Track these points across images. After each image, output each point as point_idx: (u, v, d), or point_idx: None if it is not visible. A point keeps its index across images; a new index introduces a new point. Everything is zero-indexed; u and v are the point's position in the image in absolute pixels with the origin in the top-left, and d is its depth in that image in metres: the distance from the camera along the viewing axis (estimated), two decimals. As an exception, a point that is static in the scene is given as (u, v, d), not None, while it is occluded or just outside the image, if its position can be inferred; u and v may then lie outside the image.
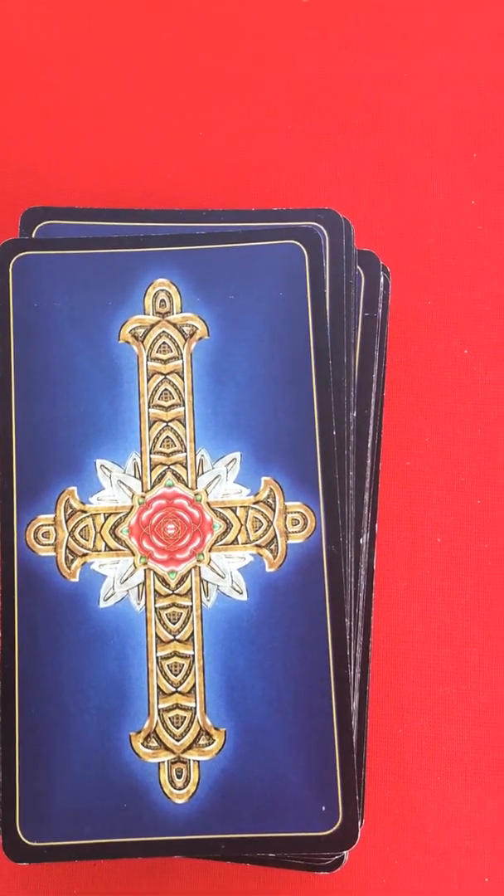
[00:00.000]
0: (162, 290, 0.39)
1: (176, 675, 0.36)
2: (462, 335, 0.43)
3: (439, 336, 0.43)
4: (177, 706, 0.36)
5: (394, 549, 0.41)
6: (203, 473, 0.37)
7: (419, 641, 0.40)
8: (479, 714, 0.40)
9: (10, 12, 0.47)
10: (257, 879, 0.38)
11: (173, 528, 0.37)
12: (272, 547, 0.37)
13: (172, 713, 0.36)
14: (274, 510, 0.37)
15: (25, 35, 0.46)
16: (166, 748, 0.36)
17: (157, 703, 0.36)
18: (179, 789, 0.35)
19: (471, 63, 0.46)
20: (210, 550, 0.37)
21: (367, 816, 0.38)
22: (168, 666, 0.36)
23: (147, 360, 0.38)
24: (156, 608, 0.36)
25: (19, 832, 0.35)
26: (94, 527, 0.37)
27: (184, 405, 0.38)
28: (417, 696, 0.40)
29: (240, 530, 0.37)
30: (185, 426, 0.38)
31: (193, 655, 0.36)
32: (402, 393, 0.42)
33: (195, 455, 0.37)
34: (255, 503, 0.37)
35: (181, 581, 0.37)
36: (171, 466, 0.37)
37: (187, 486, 0.37)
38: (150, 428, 0.38)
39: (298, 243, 0.38)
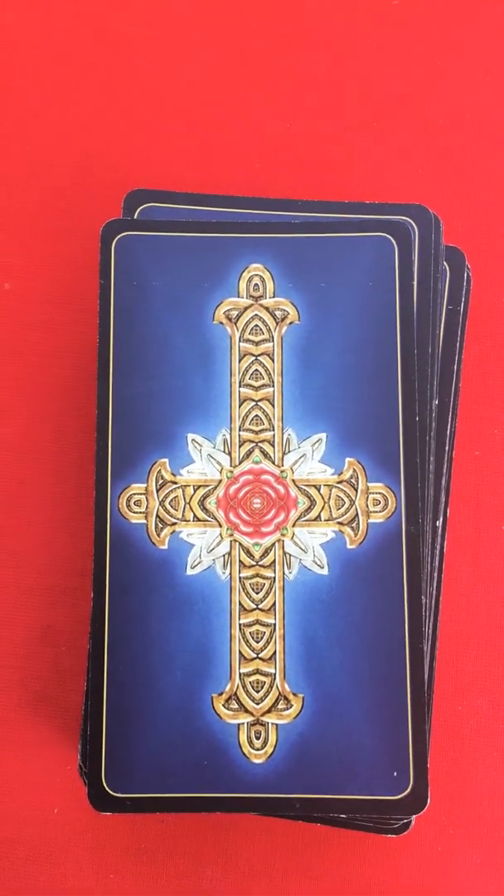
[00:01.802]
0: (256, 275, 0.40)
1: (257, 642, 0.38)
2: (534, 332, 0.44)
3: (512, 332, 0.44)
4: (257, 671, 0.38)
5: (460, 534, 0.43)
6: (289, 452, 0.39)
7: (482, 624, 0.42)
8: (537, 695, 0.41)
9: (113, 4, 0.48)
10: (322, 839, 0.40)
11: (259, 502, 0.39)
12: (353, 525, 0.38)
13: (253, 678, 0.38)
14: (356, 490, 0.39)
15: (128, 23, 0.48)
16: (246, 710, 0.37)
17: (239, 668, 0.38)
18: (258, 750, 0.37)
19: (552, 70, 0.47)
20: (294, 525, 0.39)
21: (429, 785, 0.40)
22: (250, 633, 0.38)
23: (239, 341, 0.40)
24: (240, 578, 0.38)
25: (104, 783, 0.37)
26: (184, 498, 0.39)
27: (273, 386, 0.39)
28: (479, 675, 0.41)
29: (323, 507, 0.39)
30: (273, 406, 0.39)
31: (275, 624, 0.38)
32: (474, 384, 0.44)
33: (282, 434, 0.39)
34: (338, 482, 0.39)
35: (265, 553, 0.38)
36: (259, 444, 0.39)
37: (274, 463, 0.39)
38: (240, 406, 0.39)
39: (389, 236, 0.40)
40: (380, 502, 0.38)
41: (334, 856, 0.40)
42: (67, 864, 0.41)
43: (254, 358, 0.40)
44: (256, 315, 0.40)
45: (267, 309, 0.40)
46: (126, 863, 0.41)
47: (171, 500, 0.39)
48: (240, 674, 0.38)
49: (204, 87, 0.47)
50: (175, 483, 0.39)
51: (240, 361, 0.40)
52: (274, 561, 0.38)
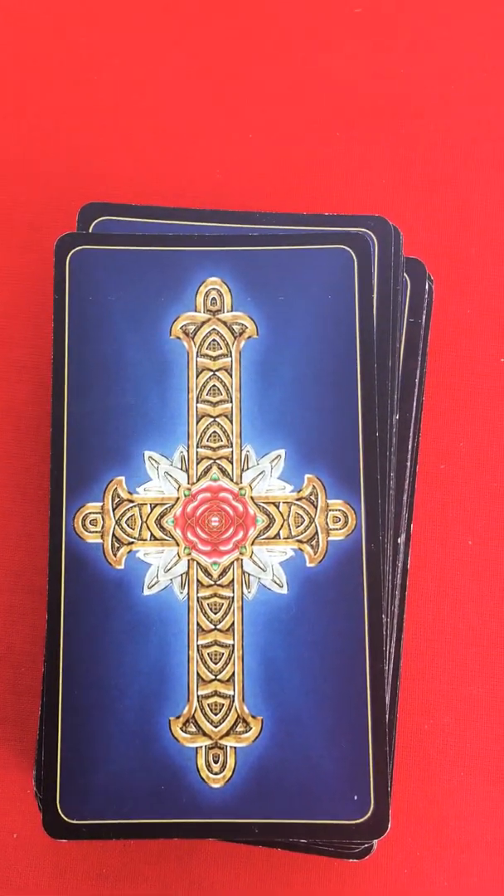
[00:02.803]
0: (213, 289, 0.40)
1: (216, 664, 0.37)
2: (500, 344, 0.44)
3: (477, 344, 0.44)
4: (215, 693, 0.37)
5: (426, 549, 0.42)
6: (248, 469, 0.38)
7: (448, 640, 0.41)
8: (504, 713, 0.41)
9: (70, 12, 0.47)
10: (285, 864, 0.40)
11: (217, 520, 0.38)
12: (313, 543, 0.38)
13: (211, 700, 0.37)
14: (316, 507, 0.38)
15: (86, 34, 0.47)
16: (204, 734, 0.37)
17: (197, 690, 0.37)
18: (216, 774, 0.36)
19: (516, 78, 0.47)
20: (252, 544, 0.38)
21: (392, 808, 0.39)
22: (208, 654, 0.37)
23: (197, 356, 0.39)
24: (198, 598, 0.38)
25: (59, 810, 0.36)
26: (141, 516, 0.38)
27: (231, 401, 0.39)
28: (444, 693, 0.41)
29: (282, 525, 0.38)
30: (231, 422, 0.39)
31: (233, 645, 0.37)
32: (438, 398, 0.43)
33: (241, 450, 0.38)
34: (297, 499, 0.38)
35: (223, 572, 0.38)
36: (217, 461, 0.38)
37: (232, 480, 0.38)
38: (197, 422, 0.39)
39: (349, 248, 0.39)
40: (339, 519, 0.38)
41: (299, 880, 0.39)
42: (27, 889, 0.40)
43: (211, 373, 0.39)
44: (214, 329, 0.39)
45: (224, 323, 0.39)
46: (88, 888, 0.40)
47: (128, 519, 0.38)
48: (198, 696, 0.37)
49: (162, 97, 0.46)
50: (132, 501, 0.38)
51: (197, 377, 0.39)
52: (232, 580, 0.38)
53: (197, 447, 0.39)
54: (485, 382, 0.43)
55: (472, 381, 0.43)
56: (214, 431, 0.39)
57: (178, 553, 0.38)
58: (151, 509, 0.38)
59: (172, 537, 0.38)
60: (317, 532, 0.38)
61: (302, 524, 0.38)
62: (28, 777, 0.41)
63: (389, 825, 0.35)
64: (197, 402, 0.39)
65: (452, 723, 0.41)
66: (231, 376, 0.39)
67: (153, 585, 0.38)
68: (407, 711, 0.41)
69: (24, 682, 0.41)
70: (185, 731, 0.37)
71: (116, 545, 0.38)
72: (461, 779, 0.40)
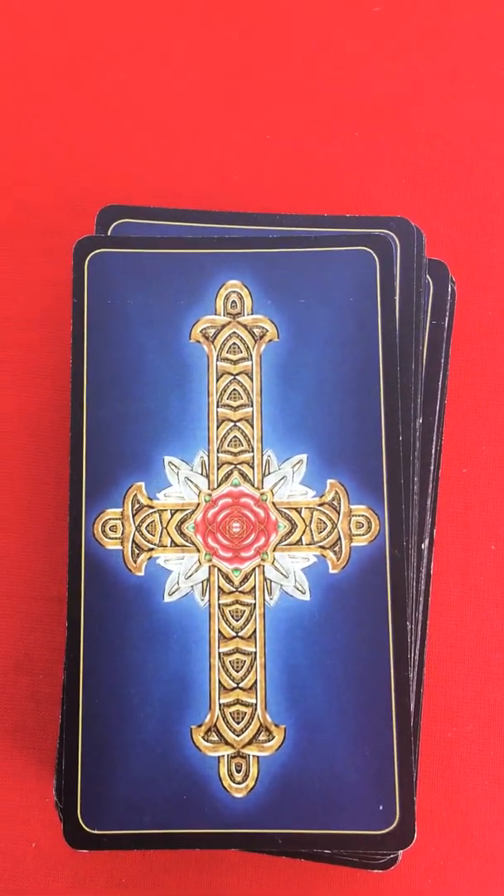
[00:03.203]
0: (233, 292, 0.39)
1: (238, 672, 0.37)
2: (522, 346, 0.43)
3: (500, 345, 0.43)
4: (238, 702, 0.36)
5: (448, 554, 0.41)
6: (269, 474, 0.38)
7: (471, 647, 0.41)
8: (529, 720, 0.40)
9: (87, 16, 0.47)
10: (307, 874, 0.39)
11: (238, 526, 0.38)
12: (336, 549, 0.37)
13: (233, 708, 0.36)
14: (339, 512, 0.38)
15: (103, 36, 0.47)
16: (226, 743, 0.36)
17: (219, 699, 0.36)
18: (238, 783, 0.36)
19: (538, 77, 0.46)
20: (274, 550, 0.37)
21: (416, 815, 0.39)
22: (230, 662, 0.37)
23: (217, 360, 0.39)
24: (219, 605, 0.37)
25: (80, 819, 0.36)
26: (161, 522, 0.38)
27: (252, 406, 0.38)
28: (469, 700, 0.40)
29: (304, 531, 0.38)
30: (252, 426, 0.38)
31: (255, 653, 0.37)
32: (461, 400, 0.43)
33: (262, 455, 0.38)
34: (320, 505, 0.38)
35: (245, 579, 0.37)
36: (238, 466, 0.38)
37: (253, 485, 0.38)
38: (218, 427, 0.38)
39: (370, 250, 0.39)
40: (363, 525, 0.37)
41: (321, 891, 0.39)
42: (47, 899, 0.40)
43: (232, 377, 0.39)
44: (234, 333, 0.39)
45: (245, 326, 0.39)
46: (107, 898, 0.40)
47: (148, 525, 0.38)
48: (219, 704, 0.36)
49: (180, 99, 0.46)
50: (152, 507, 0.38)
51: (217, 381, 0.38)
52: (254, 587, 0.37)
53: (217, 452, 0.38)
54: (507, 385, 0.43)
55: (494, 383, 0.43)
56: (235, 436, 0.38)
57: (198, 559, 0.37)
58: (172, 515, 0.38)
59: (193, 543, 0.38)
60: (339, 538, 0.37)
61: (324, 530, 0.38)
62: (47, 786, 0.40)
63: (416, 836, 0.35)
64: (217, 406, 0.38)
65: (477, 730, 0.40)
66: (252, 380, 0.39)
67: (174, 592, 0.37)
68: (430, 719, 0.40)
69: (44, 690, 0.41)
70: (207, 740, 0.36)
71: (136, 551, 0.37)
72: (486, 787, 0.40)
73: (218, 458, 0.38)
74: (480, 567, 0.41)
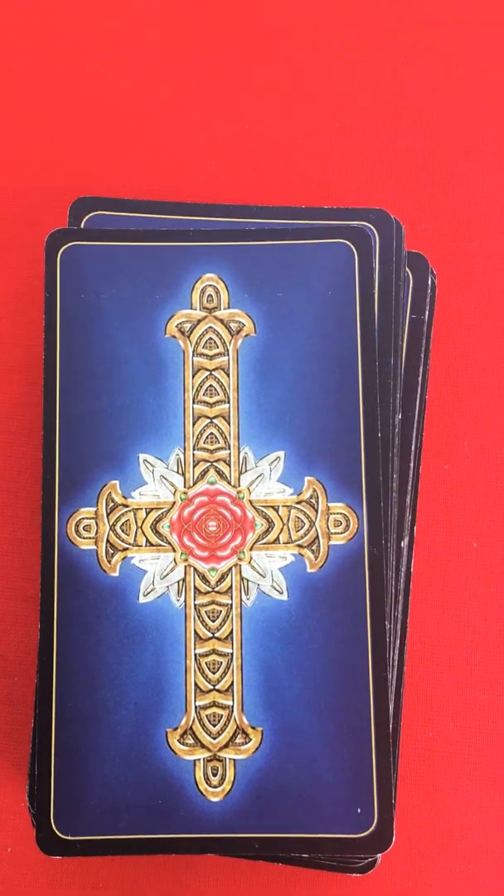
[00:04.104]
0: (210, 286, 0.38)
1: (214, 673, 0.36)
2: (504, 340, 0.43)
3: (480, 339, 0.42)
4: (214, 704, 0.36)
5: (429, 552, 0.41)
6: (246, 471, 0.37)
7: (452, 646, 0.40)
8: (511, 720, 0.40)
9: (60, 5, 0.46)
10: (284, 879, 0.38)
11: (215, 525, 0.37)
12: (314, 547, 0.37)
13: (209, 711, 0.36)
14: (316, 510, 0.37)
15: (77, 24, 0.46)
16: (202, 746, 0.35)
17: (195, 701, 0.36)
18: (215, 787, 0.35)
19: (520, 66, 0.45)
20: (251, 549, 0.37)
21: (396, 818, 0.38)
22: (206, 663, 0.36)
23: (193, 355, 0.38)
24: (195, 605, 0.36)
25: (53, 825, 0.35)
26: (136, 521, 0.37)
27: (228, 402, 0.38)
28: (449, 700, 0.40)
29: (281, 530, 0.37)
30: (229, 423, 0.37)
31: (232, 654, 0.36)
32: (441, 395, 0.42)
33: (238, 452, 0.37)
34: (297, 503, 0.37)
35: (221, 579, 0.37)
36: (214, 463, 0.37)
37: (230, 483, 0.37)
38: (194, 424, 0.37)
39: (349, 243, 0.38)
40: (341, 523, 0.37)
41: (301, 895, 0.38)
42: (22, 904, 0.39)
43: (208, 373, 0.38)
44: (210, 328, 0.38)
45: (221, 321, 0.38)
46: (84, 902, 0.39)
47: (123, 525, 0.37)
48: (195, 707, 0.36)
49: (156, 87, 0.45)
50: (126, 506, 0.37)
51: (193, 377, 0.38)
52: (231, 587, 0.37)
53: (193, 449, 0.37)
54: (489, 379, 0.42)
55: (476, 377, 0.42)
56: (211, 433, 0.37)
57: (174, 559, 0.37)
58: (147, 514, 0.37)
59: (168, 543, 0.37)
60: (317, 536, 0.37)
61: (302, 528, 0.37)
62: (22, 789, 0.39)
63: (394, 839, 0.34)
64: (193, 402, 0.38)
65: (457, 730, 0.40)
66: (228, 376, 0.38)
67: (149, 593, 0.36)
68: (410, 719, 0.39)
69: (18, 691, 0.40)
70: (183, 744, 0.35)
71: (111, 551, 0.37)
72: (466, 788, 0.39)
73: (194, 455, 0.37)
74: (462, 565, 0.41)
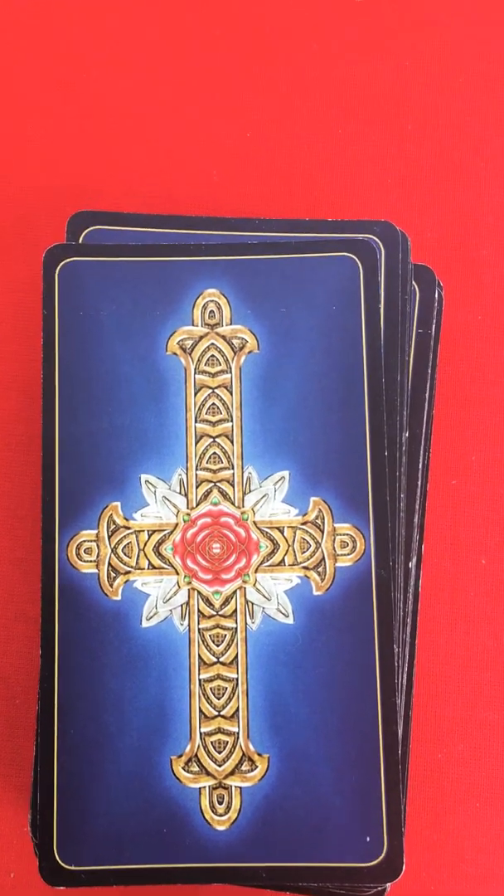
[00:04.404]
0: (211, 301, 0.37)
1: (219, 699, 0.35)
2: (512, 352, 0.42)
3: (489, 352, 0.42)
4: (219, 730, 0.35)
5: (437, 570, 0.40)
6: (250, 492, 0.36)
7: (461, 665, 0.39)
8: (521, 741, 0.39)
9: (59, 19, 0.45)
10: (293, 904, 0.38)
11: (219, 547, 0.36)
12: (320, 569, 0.36)
13: (215, 737, 0.35)
14: (322, 531, 0.36)
15: (75, 36, 0.45)
16: (208, 773, 0.35)
17: (200, 727, 0.35)
18: (221, 815, 0.35)
19: (527, 69, 0.44)
20: (256, 571, 0.36)
21: (406, 841, 0.38)
22: (211, 689, 0.35)
23: (195, 373, 0.37)
24: (199, 629, 0.36)
25: (56, 855, 0.34)
26: (138, 544, 0.36)
27: (232, 420, 0.37)
28: (459, 720, 0.39)
29: (287, 551, 0.36)
30: (232, 442, 0.37)
31: (237, 679, 0.35)
32: (449, 410, 0.41)
33: (242, 472, 0.36)
34: (303, 524, 0.36)
35: (226, 602, 0.36)
36: (218, 483, 0.36)
37: (234, 504, 0.36)
38: (196, 443, 0.37)
39: (354, 256, 0.37)
40: (347, 544, 0.36)
41: (308, 918, 0.38)
42: (26, 930, 0.39)
43: (210, 391, 0.37)
44: (213, 344, 0.37)
45: (224, 337, 0.37)
46: (89, 927, 0.38)
47: (125, 547, 0.36)
48: (200, 733, 0.35)
49: (155, 97, 0.44)
50: (128, 528, 0.36)
51: (195, 395, 0.37)
52: (235, 610, 0.36)
53: (196, 469, 0.37)
54: (498, 392, 0.41)
55: (484, 391, 0.41)
56: (214, 452, 0.37)
57: (177, 582, 0.36)
58: (149, 536, 0.36)
59: (172, 565, 0.36)
60: (323, 558, 0.36)
61: (308, 550, 0.36)
62: (25, 813, 0.39)
63: (404, 868, 0.34)
64: (195, 421, 0.37)
65: (467, 751, 0.39)
66: (231, 394, 0.37)
67: (152, 617, 0.36)
68: (419, 740, 0.39)
69: (20, 714, 0.39)
70: (188, 771, 0.35)
71: (113, 575, 0.36)
72: (477, 810, 0.39)
73: (197, 475, 0.37)
74: (470, 582, 0.40)
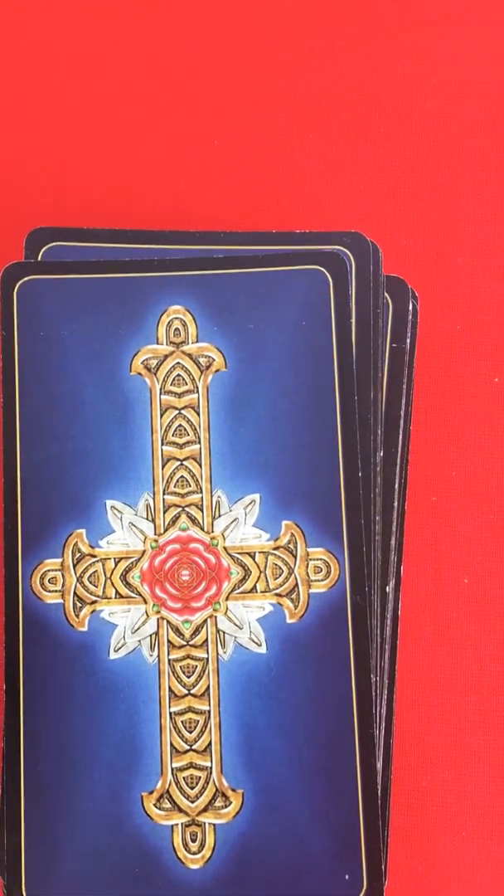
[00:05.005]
0: (176, 318, 0.36)
1: (190, 732, 0.34)
2: (493, 362, 0.40)
3: (468, 364, 0.40)
4: (191, 765, 0.34)
5: (418, 590, 0.39)
6: (220, 516, 0.35)
7: (445, 689, 0.38)
8: (508, 766, 0.38)
9: (11, 25, 0.44)
10: (274, 940, 0.37)
11: (188, 574, 0.35)
12: (293, 596, 0.35)
13: (187, 773, 0.34)
14: (295, 557, 0.35)
15: (27, 44, 0.43)
16: (180, 810, 0.34)
17: (171, 762, 0.34)
18: (194, 854, 0.33)
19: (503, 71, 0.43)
20: (227, 599, 0.35)
21: (388, 872, 0.36)
22: (182, 722, 0.34)
23: (160, 393, 0.36)
24: (169, 660, 0.34)
25: (24, 897, 0.33)
26: (104, 572, 0.35)
27: (199, 442, 0.35)
28: (443, 746, 0.38)
29: (259, 578, 0.35)
30: (200, 465, 0.35)
31: (209, 711, 0.34)
32: (428, 424, 0.40)
33: (211, 496, 0.35)
34: (275, 549, 0.35)
35: (196, 631, 0.35)
36: (186, 508, 0.35)
37: (203, 529, 0.35)
38: (163, 467, 0.35)
39: (323, 269, 0.36)
40: (321, 570, 0.35)
41: None
42: None
43: (177, 412, 0.36)
44: (178, 363, 0.36)
45: (189, 356, 0.36)
46: None
47: (90, 576, 0.35)
48: (172, 769, 0.34)
49: (117, 103, 0.43)
50: (94, 556, 0.35)
51: (161, 416, 0.36)
52: (206, 640, 0.34)
53: (163, 494, 0.35)
54: (478, 405, 0.40)
55: (463, 404, 0.40)
56: (182, 476, 0.35)
57: (146, 611, 0.35)
58: (116, 564, 0.35)
59: (140, 594, 0.35)
60: (297, 584, 0.35)
61: (280, 576, 0.35)
62: (-4, 850, 0.38)
63: (384, 906, 0.33)
64: (162, 444, 0.35)
65: (452, 779, 0.38)
66: (198, 415, 0.36)
67: (120, 648, 0.34)
68: (402, 768, 0.37)
69: (-11, 747, 0.38)
70: (160, 808, 0.34)
71: (79, 605, 0.35)
72: (462, 839, 0.37)
73: (164, 500, 0.35)
74: (452, 603, 0.39)
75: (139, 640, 0.34)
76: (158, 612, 0.35)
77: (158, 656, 0.34)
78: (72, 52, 0.43)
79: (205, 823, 0.33)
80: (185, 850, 0.33)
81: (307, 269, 0.36)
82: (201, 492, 0.35)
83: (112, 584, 0.35)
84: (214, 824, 0.33)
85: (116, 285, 0.36)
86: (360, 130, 0.42)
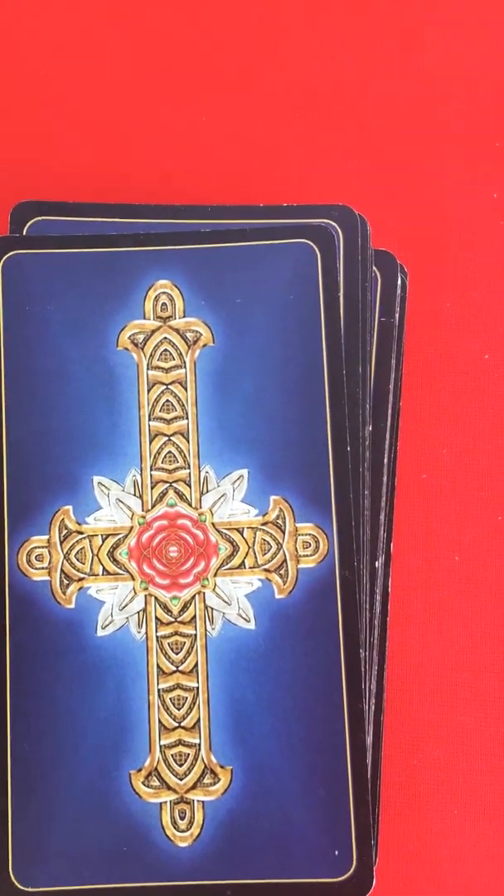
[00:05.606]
0: (163, 293, 0.36)
1: (179, 709, 0.34)
2: (483, 339, 0.40)
3: (458, 340, 0.40)
4: (180, 742, 0.34)
5: (409, 568, 0.39)
6: (208, 492, 0.35)
7: (435, 667, 0.38)
8: (499, 744, 0.37)
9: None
10: (264, 919, 0.37)
11: (176, 550, 0.35)
12: (282, 571, 0.34)
13: (175, 750, 0.34)
14: (284, 532, 0.35)
15: (10, 20, 0.43)
16: (168, 787, 0.33)
17: (159, 739, 0.34)
18: (183, 831, 0.33)
19: (491, 48, 0.43)
20: (215, 575, 0.34)
21: (380, 851, 0.36)
22: (170, 699, 0.34)
23: (147, 368, 0.35)
24: (157, 637, 0.34)
25: (12, 877, 0.33)
26: (91, 549, 0.35)
27: (187, 418, 0.35)
28: (434, 724, 0.38)
29: (247, 553, 0.35)
30: (188, 440, 0.35)
31: (197, 688, 0.34)
32: (418, 401, 0.40)
33: (199, 472, 0.35)
34: (263, 524, 0.35)
35: (184, 608, 0.34)
36: (174, 484, 0.35)
37: (191, 505, 0.35)
38: (150, 442, 0.35)
39: (311, 242, 0.36)
40: (310, 545, 0.34)
41: (281, 933, 0.36)
42: None
43: (164, 387, 0.35)
44: (165, 338, 0.36)
45: (177, 331, 0.36)
46: None
47: (78, 553, 0.35)
48: (160, 746, 0.33)
49: (103, 77, 0.42)
50: (81, 533, 0.35)
51: (148, 392, 0.35)
52: (194, 616, 0.34)
53: (151, 470, 0.35)
54: (468, 382, 0.40)
55: (454, 380, 0.40)
56: (169, 452, 0.35)
57: (133, 588, 0.34)
58: (103, 541, 0.35)
59: (127, 571, 0.35)
60: (285, 559, 0.34)
61: (269, 551, 0.35)
62: (-16, 831, 0.37)
63: (374, 882, 0.32)
64: (149, 419, 0.35)
65: (443, 756, 0.37)
66: (186, 390, 0.35)
67: (107, 625, 0.34)
68: (393, 746, 0.37)
69: (-24, 728, 0.38)
70: (148, 786, 0.33)
71: (66, 582, 0.34)
72: (454, 817, 0.37)
73: (151, 476, 0.35)
74: (443, 580, 0.38)
75: (127, 617, 0.34)
76: (146, 589, 0.34)
77: (146, 633, 0.34)
78: (57, 27, 0.43)
79: (193, 801, 0.33)
80: (174, 827, 0.33)
81: (295, 242, 0.36)
82: (189, 467, 0.35)
83: (99, 560, 0.35)
84: (203, 801, 0.33)
85: (103, 260, 0.36)
86: (348, 104, 0.42)
